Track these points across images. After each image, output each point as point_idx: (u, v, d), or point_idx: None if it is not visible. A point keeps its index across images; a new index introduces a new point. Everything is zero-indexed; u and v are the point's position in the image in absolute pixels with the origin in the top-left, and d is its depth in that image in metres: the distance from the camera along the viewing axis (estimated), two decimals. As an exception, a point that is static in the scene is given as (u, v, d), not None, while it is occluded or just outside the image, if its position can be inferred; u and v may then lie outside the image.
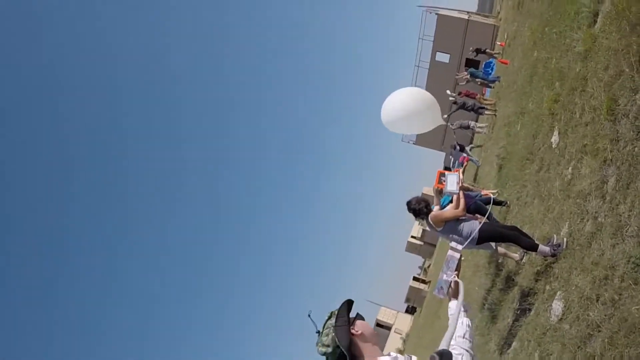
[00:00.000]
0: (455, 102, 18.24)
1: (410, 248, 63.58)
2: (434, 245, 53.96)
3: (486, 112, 18.27)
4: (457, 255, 3.18)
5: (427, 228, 6.60)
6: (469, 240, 5.56)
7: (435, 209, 6.44)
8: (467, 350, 2.27)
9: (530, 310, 5.50)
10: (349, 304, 2.54)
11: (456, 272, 3.02)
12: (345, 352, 2.35)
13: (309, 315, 2.51)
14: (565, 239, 5.15)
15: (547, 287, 5.10)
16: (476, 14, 38.80)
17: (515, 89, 13.43)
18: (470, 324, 2.46)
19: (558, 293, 4.68)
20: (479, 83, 20.67)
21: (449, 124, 19.73)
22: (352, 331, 2.45)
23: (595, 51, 5.63)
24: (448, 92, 19.28)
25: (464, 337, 2.33)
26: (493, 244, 6.21)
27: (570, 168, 5.64)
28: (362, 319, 2.53)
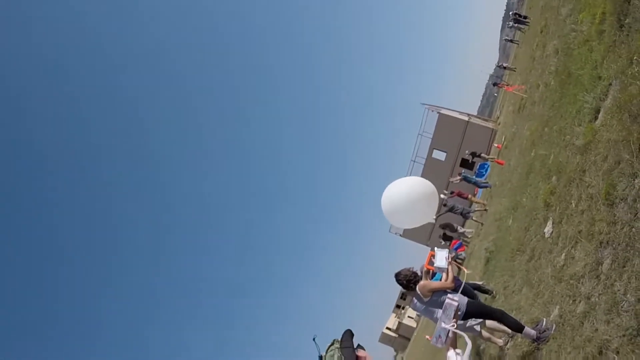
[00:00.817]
0: (444, 204, 18.51)
1: (384, 339, 62.29)
2: (408, 339, 52.96)
3: (475, 211, 18.62)
4: (455, 303, 3.16)
5: (413, 301, 6.53)
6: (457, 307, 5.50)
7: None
8: None
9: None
10: (351, 332, 2.59)
11: (454, 321, 3.01)
12: None
13: (314, 339, 2.52)
14: (554, 324, 5.10)
15: (533, 371, 5.01)
16: (476, 116, 39.97)
17: (509, 187, 13.64)
18: None
19: (545, 375, 4.59)
20: (469, 195, 21.06)
21: (435, 222, 20.03)
22: (358, 354, 2.47)
23: (595, 144, 5.78)
24: (442, 195, 19.52)
25: None
26: (478, 327, 6.14)
27: (563, 255, 5.66)
28: (364, 349, 2.56)
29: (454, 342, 2.83)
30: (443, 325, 2.93)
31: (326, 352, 2.49)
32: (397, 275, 6.22)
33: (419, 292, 5.97)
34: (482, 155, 23.52)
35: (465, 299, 5.69)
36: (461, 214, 18.16)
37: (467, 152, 23.98)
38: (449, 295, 3.31)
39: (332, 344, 2.53)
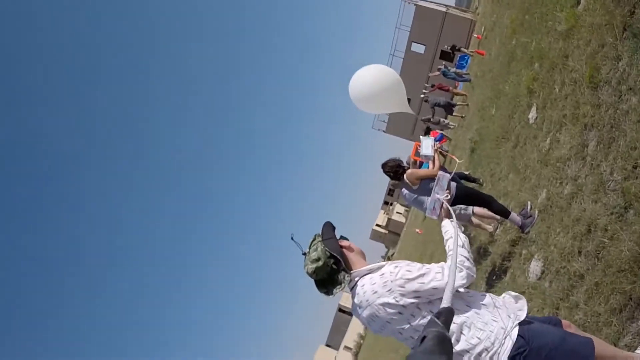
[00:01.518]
0: (426, 101, 18.50)
1: (375, 236, 64.09)
2: (398, 234, 54.45)
3: (457, 105, 18.67)
4: (448, 175, 3.26)
5: (402, 191, 6.70)
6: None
7: None
8: (467, 258, 2.33)
9: (505, 274, 5.67)
10: (331, 224, 2.61)
11: (447, 191, 3.10)
12: (339, 258, 2.39)
13: (292, 238, 2.52)
14: (536, 211, 5.33)
15: (524, 252, 5.27)
16: (454, 7, 39.15)
17: (491, 76, 13.62)
18: (466, 237, 2.53)
19: (536, 255, 4.84)
20: (450, 87, 20.94)
21: (419, 118, 20.05)
22: (341, 243, 2.51)
23: (578, 28, 5.78)
24: (424, 92, 19.45)
25: (462, 247, 2.39)
26: (467, 211, 6.38)
27: (548, 139, 5.81)
28: (347, 239, 2.59)
29: (447, 213, 2.91)
30: (437, 196, 3.02)
31: (309, 248, 2.48)
32: (384, 166, 6.32)
33: (407, 181, 6.12)
34: (462, 49, 23.25)
35: (454, 184, 5.88)
36: (445, 107, 18.20)
37: (446, 46, 23.64)
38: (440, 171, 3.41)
39: (314, 239, 2.52)
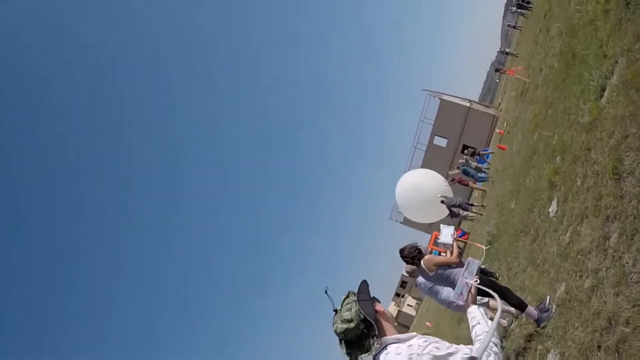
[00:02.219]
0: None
1: (384, 328, 62.53)
2: (408, 327, 53.13)
3: (469, 216, 18.50)
4: (478, 261, 3.14)
5: (417, 279, 6.52)
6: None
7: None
8: (495, 344, 2.21)
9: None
10: (367, 283, 2.51)
11: (476, 277, 2.97)
12: (372, 323, 2.31)
13: (326, 292, 2.45)
14: (554, 305, 5.08)
15: (540, 347, 4.98)
16: (478, 103, 39.86)
17: (512, 171, 13.59)
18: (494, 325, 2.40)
19: (552, 350, 4.56)
20: (470, 182, 20.92)
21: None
22: (376, 308, 2.40)
23: (601, 121, 5.73)
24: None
25: (491, 333, 2.27)
26: (485, 300, 6.13)
27: (568, 232, 5.63)
28: (379, 302, 2.50)
29: (474, 298, 2.78)
30: (466, 280, 2.89)
31: (342, 305, 2.41)
32: (402, 251, 6.20)
33: (424, 267, 5.95)
34: (482, 152, 23.32)
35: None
36: (460, 207, 18.01)
37: (466, 151, 23.58)
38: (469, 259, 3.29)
39: (348, 296, 2.45)
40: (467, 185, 20.19)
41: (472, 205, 18.45)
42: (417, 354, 2.11)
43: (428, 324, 27.79)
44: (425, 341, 2.18)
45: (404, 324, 56.77)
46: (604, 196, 4.76)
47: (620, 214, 4.27)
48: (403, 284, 63.23)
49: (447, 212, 17.19)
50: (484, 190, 19.46)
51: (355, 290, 2.47)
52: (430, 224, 37.22)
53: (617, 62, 5.82)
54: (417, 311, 53.04)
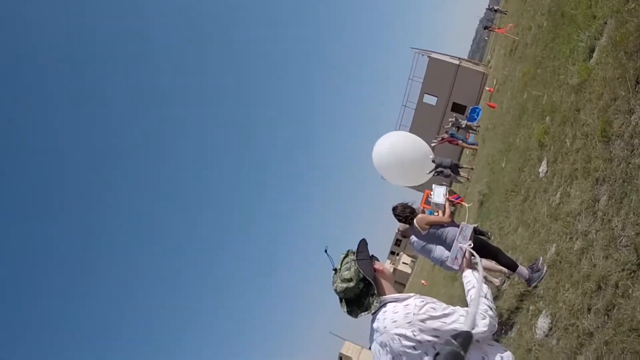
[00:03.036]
0: (432, 161, 18.35)
1: (380, 286, 63.28)
2: (404, 285, 53.86)
3: (459, 178, 18.52)
4: (472, 226, 3.18)
5: (411, 238, 6.60)
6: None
7: None
8: (490, 307, 2.26)
9: (512, 329, 5.48)
10: (366, 242, 2.54)
11: (470, 242, 3.02)
12: (372, 282, 2.34)
13: (326, 251, 2.48)
14: (545, 266, 5.17)
15: (532, 307, 5.09)
16: (467, 60, 39.59)
17: (502, 129, 13.62)
18: (489, 288, 2.45)
19: (544, 311, 4.67)
20: (459, 140, 20.78)
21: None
22: (375, 266, 2.44)
23: (590, 82, 5.74)
24: (433, 142, 19.22)
25: (485, 297, 2.32)
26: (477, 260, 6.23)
27: (558, 193, 5.70)
28: (378, 260, 2.54)
29: (469, 263, 2.83)
30: (460, 245, 2.94)
31: (341, 265, 2.44)
32: (394, 209, 6.26)
33: (416, 226, 6.02)
34: (468, 123, 22.76)
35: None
36: (450, 168, 17.98)
37: (450, 123, 22.79)
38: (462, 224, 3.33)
39: (347, 255, 2.47)
40: (457, 144, 20.15)
41: (460, 167, 18.46)
42: (414, 314, 2.15)
43: (423, 282, 28.22)
44: (422, 301, 2.21)
45: (399, 282, 57.56)
46: (593, 158, 4.81)
47: (609, 176, 4.33)
48: (398, 242, 63.82)
49: (429, 175, 17.32)
50: (475, 149, 19.48)
51: (354, 249, 2.50)
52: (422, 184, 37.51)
53: (606, 23, 5.80)
54: (412, 269, 53.77)
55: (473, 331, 2.06)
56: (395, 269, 60.65)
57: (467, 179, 18.19)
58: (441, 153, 19.57)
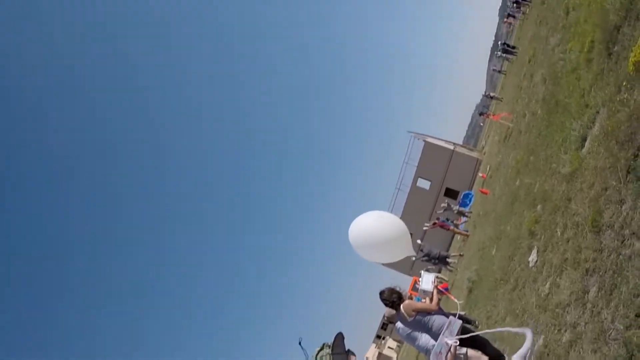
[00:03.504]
0: (421, 250, 18.20)
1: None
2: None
3: (449, 267, 18.36)
4: (460, 322, 3.03)
5: (397, 324, 6.38)
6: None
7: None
8: None
9: None
10: (342, 336, 2.45)
11: (457, 339, 2.87)
12: None
13: (300, 343, 2.37)
14: (533, 359, 4.95)
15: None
16: (462, 145, 40.15)
17: (493, 216, 13.57)
18: None
19: (529, 407, 4.41)
20: (451, 226, 20.73)
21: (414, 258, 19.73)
22: None
23: (582, 171, 5.71)
24: (419, 241, 18.92)
25: None
26: (464, 350, 5.98)
27: (548, 283, 5.54)
28: (355, 355, 2.42)
29: (453, 359, 2.69)
30: (445, 340, 2.79)
31: (315, 358, 2.36)
32: (382, 294, 6.06)
33: (403, 312, 5.81)
34: (454, 222, 22.62)
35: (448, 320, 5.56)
36: (438, 259, 17.76)
37: (438, 216, 22.69)
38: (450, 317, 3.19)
39: (322, 348, 2.40)
40: (448, 229, 20.12)
41: (449, 257, 18.24)
42: None
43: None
44: None
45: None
46: (584, 249, 4.69)
47: (599, 267, 4.20)
48: (384, 326, 62.46)
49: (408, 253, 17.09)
50: (467, 235, 19.39)
51: (330, 342, 2.41)
52: (412, 266, 37.13)
53: (598, 112, 5.83)
54: (397, 354, 52.40)
55: None
56: (380, 354, 59.15)
57: (456, 268, 17.93)
58: (433, 237, 19.50)
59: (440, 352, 2.80)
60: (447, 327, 2.90)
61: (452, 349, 2.75)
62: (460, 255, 18.35)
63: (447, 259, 18.04)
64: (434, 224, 20.10)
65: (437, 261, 17.93)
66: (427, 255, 17.77)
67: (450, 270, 19.01)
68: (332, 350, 2.35)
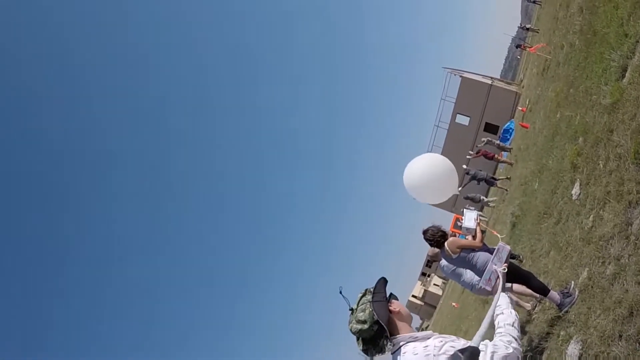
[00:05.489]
0: (467, 173, 18.24)
1: (411, 307, 62.61)
2: (434, 307, 53.17)
3: (497, 185, 18.40)
4: (509, 247, 3.13)
5: (441, 262, 6.54)
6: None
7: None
8: (515, 339, 2.22)
9: (542, 355, 5.34)
10: (385, 281, 2.53)
11: (505, 265, 2.98)
12: (384, 327, 2.33)
13: (340, 292, 2.48)
14: (577, 291, 5.05)
15: (562, 333, 4.95)
16: (499, 79, 39.30)
17: (534, 150, 13.44)
18: (518, 315, 2.42)
19: (574, 337, 4.54)
20: (495, 154, 20.60)
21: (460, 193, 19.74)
22: (390, 308, 2.42)
23: (623, 102, 5.64)
24: (464, 166, 18.88)
25: (512, 325, 2.29)
26: (509, 285, 6.10)
27: (591, 217, 5.57)
28: (397, 299, 2.52)
29: (504, 286, 2.79)
30: (494, 267, 2.90)
31: (357, 305, 2.44)
32: (425, 232, 6.19)
33: (447, 249, 5.94)
34: (490, 178, 22.00)
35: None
36: (485, 181, 17.97)
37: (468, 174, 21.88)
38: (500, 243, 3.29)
39: (364, 294, 2.48)
40: (492, 158, 19.91)
41: (496, 180, 18.32)
42: (434, 355, 2.14)
43: (454, 304, 27.80)
44: (441, 341, 2.20)
45: (430, 304, 56.81)
46: (626, 181, 4.70)
47: (642, 199, 4.22)
48: (429, 264, 63.11)
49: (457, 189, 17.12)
50: (511, 164, 19.20)
51: (372, 288, 2.50)
52: (454, 203, 37.14)
53: (638, 41, 5.71)
54: (443, 291, 53.04)
55: (492, 353, 2.07)
56: (426, 291, 59.99)
57: (506, 189, 17.88)
58: (476, 167, 19.47)
59: (489, 278, 2.92)
60: (496, 254, 3.00)
61: (500, 276, 2.85)
62: (507, 178, 18.21)
63: (495, 180, 18.08)
64: (478, 152, 20.00)
65: (484, 182, 17.99)
66: (474, 177, 17.84)
67: (492, 207, 19.04)
68: (372, 296, 2.45)
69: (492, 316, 2.35)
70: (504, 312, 2.47)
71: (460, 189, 18.90)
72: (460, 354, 2.00)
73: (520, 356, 2.20)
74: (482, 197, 19.59)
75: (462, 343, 2.16)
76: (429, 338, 2.26)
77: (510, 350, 2.15)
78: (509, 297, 2.61)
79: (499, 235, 7.18)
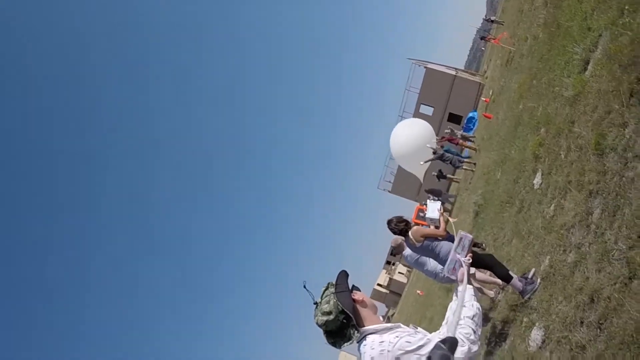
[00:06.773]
0: (434, 152, 18.50)
1: (376, 296, 63.30)
2: (400, 295, 53.79)
3: (463, 167, 18.70)
4: (470, 235, 3.17)
5: (405, 251, 6.63)
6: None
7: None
8: (474, 331, 2.29)
9: (505, 341, 5.47)
10: (346, 274, 2.56)
11: (470, 255, 3.02)
12: (350, 315, 2.37)
13: (305, 286, 2.50)
14: (539, 278, 5.17)
15: (525, 319, 5.08)
16: (463, 70, 39.75)
17: (497, 140, 13.65)
18: (480, 308, 2.48)
19: (537, 323, 4.66)
20: (460, 140, 20.93)
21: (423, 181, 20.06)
22: (354, 297, 2.46)
23: (585, 94, 5.77)
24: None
25: (472, 319, 2.35)
26: (472, 272, 6.21)
27: (552, 205, 5.70)
28: (359, 290, 2.55)
29: (468, 276, 2.83)
30: (458, 256, 2.93)
31: (321, 298, 2.47)
32: (389, 222, 6.29)
33: (411, 237, 6.04)
34: (449, 176, 23.14)
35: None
36: (451, 162, 18.23)
37: (434, 173, 22.69)
38: (460, 232, 3.33)
39: (327, 287, 2.51)
40: (457, 144, 20.23)
41: (463, 159, 18.59)
42: (388, 350, 2.19)
43: (419, 292, 28.17)
44: (397, 337, 2.24)
45: (396, 292, 57.44)
46: (587, 171, 4.82)
47: (602, 189, 4.34)
48: (393, 252, 63.68)
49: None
50: (475, 149, 19.50)
51: (334, 281, 2.54)
52: (417, 193, 37.54)
53: (600, 35, 5.83)
54: (408, 279, 53.71)
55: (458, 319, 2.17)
56: (391, 279, 60.65)
57: (472, 170, 18.16)
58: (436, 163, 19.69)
59: (453, 267, 2.95)
60: (459, 243, 3.03)
61: (463, 264, 2.89)
62: (474, 164, 18.46)
63: (461, 162, 18.33)
64: (442, 137, 20.29)
65: (449, 163, 18.25)
66: (441, 157, 18.08)
67: (466, 169, 19.21)
68: (335, 288, 2.48)
69: (461, 307, 2.41)
70: (465, 304, 2.53)
71: (422, 163, 19.12)
72: (442, 344, 2.07)
73: (477, 347, 2.28)
74: (443, 191, 19.98)
75: (418, 338, 2.21)
76: (388, 331, 2.31)
77: (465, 346, 2.24)
78: (473, 289, 2.67)
79: (451, 220, 7.28)
